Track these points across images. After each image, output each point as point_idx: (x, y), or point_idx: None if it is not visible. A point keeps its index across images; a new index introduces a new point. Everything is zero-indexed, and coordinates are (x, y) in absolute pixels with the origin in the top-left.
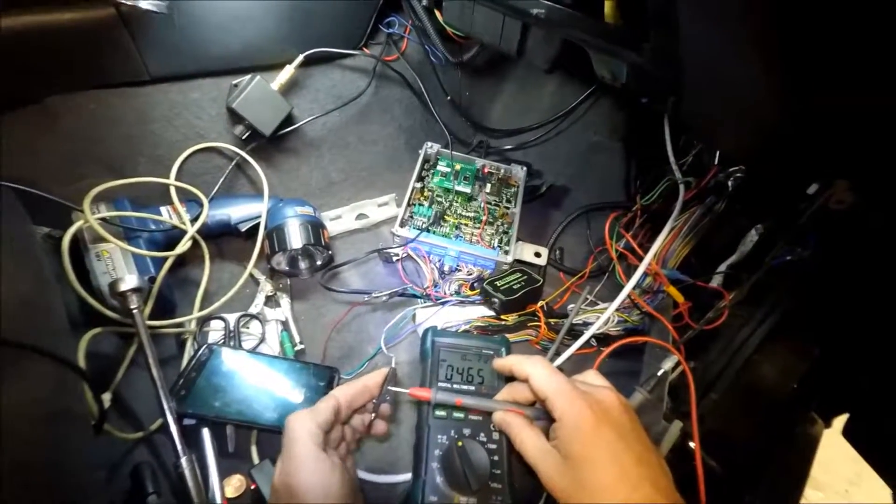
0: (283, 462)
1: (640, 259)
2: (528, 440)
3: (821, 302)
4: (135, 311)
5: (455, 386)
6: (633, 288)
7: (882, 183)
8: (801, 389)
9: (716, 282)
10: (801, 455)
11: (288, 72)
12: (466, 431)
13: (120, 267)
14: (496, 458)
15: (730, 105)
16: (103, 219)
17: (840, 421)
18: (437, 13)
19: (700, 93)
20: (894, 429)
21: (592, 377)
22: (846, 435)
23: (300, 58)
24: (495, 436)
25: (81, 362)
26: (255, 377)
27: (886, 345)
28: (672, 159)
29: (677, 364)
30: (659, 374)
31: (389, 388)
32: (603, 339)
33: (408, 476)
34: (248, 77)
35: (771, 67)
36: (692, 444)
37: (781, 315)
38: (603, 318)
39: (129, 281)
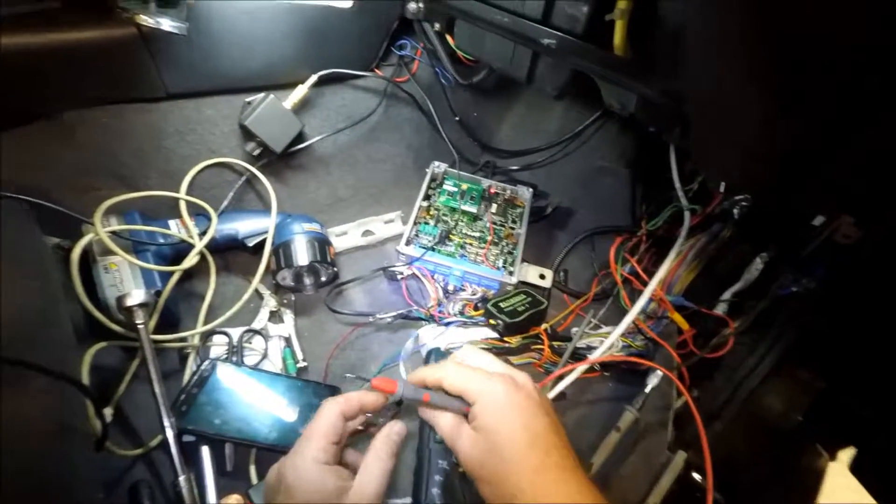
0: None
1: (645, 284)
2: (443, 418)
3: (828, 334)
4: (140, 327)
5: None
6: (637, 313)
7: (886, 221)
8: (806, 422)
9: (720, 309)
10: (805, 488)
11: (301, 91)
12: None
13: (127, 280)
14: None
15: (734, 139)
16: (113, 232)
17: (846, 454)
18: (449, 38)
19: (706, 125)
20: None
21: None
22: (853, 470)
23: (313, 78)
24: None
25: (85, 375)
26: (256, 395)
27: (893, 379)
28: (678, 186)
29: (678, 393)
30: (647, 390)
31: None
32: (605, 363)
33: (408, 500)
34: (261, 95)
35: (774, 105)
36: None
37: (787, 346)
38: (607, 343)
39: (137, 296)
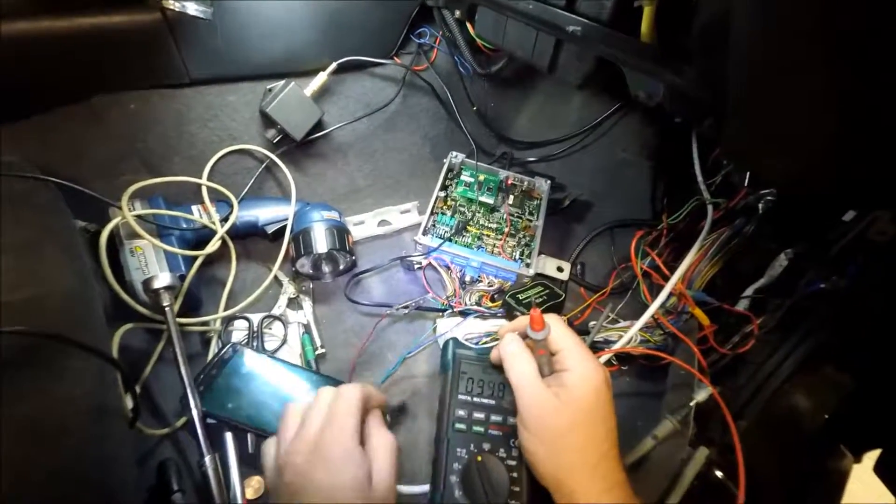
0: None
1: (665, 278)
2: (529, 368)
3: (857, 333)
4: (167, 309)
5: (475, 399)
6: (658, 308)
7: None
8: (832, 422)
9: (742, 305)
10: (829, 490)
11: (321, 78)
12: (486, 446)
13: (152, 263)
14: (515, 475)
15: (780, 134)
16: (139, 216)
17: (871, 456)
18: (469, 25)
19: (746, 119)
20: None
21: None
22: (877, 471)
23: (333, 65)
24: (515, 452)
25: (115, 356)
26: (272, 384)
27: None
28: (700, 179)
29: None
30: (692, 404)
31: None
32: (624, 357)
33: (426, 488)
34: (282, 82)
35: (841, 95)
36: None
37: (815, 344)
38: (627, 336)
39: (164, 279)
